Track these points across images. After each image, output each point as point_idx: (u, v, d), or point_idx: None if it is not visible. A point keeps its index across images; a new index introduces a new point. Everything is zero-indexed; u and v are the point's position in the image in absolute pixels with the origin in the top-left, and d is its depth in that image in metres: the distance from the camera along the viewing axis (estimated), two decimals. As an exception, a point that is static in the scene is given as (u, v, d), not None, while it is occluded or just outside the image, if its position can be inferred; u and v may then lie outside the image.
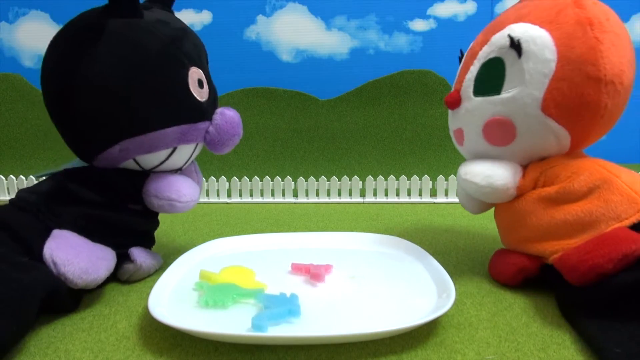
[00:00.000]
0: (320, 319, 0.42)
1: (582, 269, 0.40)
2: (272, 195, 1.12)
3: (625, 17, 1.21)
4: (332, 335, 0.38)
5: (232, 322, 0.41)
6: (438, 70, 1.22)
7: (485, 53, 0.49)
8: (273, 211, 0.99)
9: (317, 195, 1.11)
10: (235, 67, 1.29)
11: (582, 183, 0.44)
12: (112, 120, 0.48)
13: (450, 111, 0.55)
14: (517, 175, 0.49)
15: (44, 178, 0.52)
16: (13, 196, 0.55)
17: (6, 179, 1.12)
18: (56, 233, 0.46)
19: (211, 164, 1.25)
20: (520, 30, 0.45)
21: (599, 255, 0.39)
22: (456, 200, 0.98)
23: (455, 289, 0.44)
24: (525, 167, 0.50)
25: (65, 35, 0.49)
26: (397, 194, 1.10)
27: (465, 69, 0.51)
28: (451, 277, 0.47)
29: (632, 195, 0.42)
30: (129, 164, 0.52)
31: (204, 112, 0.53)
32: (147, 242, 0.60)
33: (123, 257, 0.53)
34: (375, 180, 1.09)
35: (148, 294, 0.44)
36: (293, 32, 1.28)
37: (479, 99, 0.49)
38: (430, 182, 1.08)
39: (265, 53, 1.30)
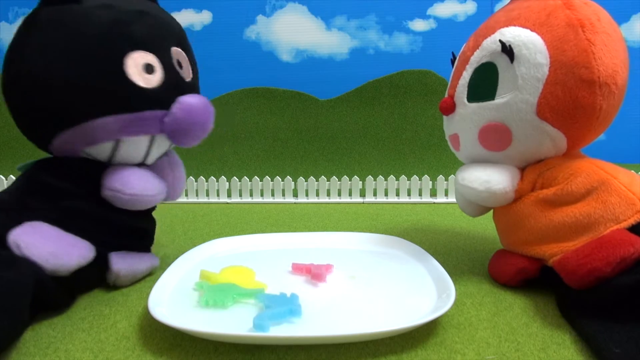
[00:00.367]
0: (320, 319, 0.42)
1: (580, 272, 0.40)
2: (272, 195, 1.12)
3: (625, 17, 1.20)
4: (332, 335, 0.38)
5: (232, 322, 0.41)
6: (438, 70, 1.22)
7: (477, 58, 0.48)
8: (273, 211, 0.99)
9: (317, 195, 1.11)
10: (235, 67, 1.28)
11: (579, 185, 0.44)
12: (47, 111, 0.47)
13: (445, 117, 0.55)
14: (515, 179, 0.49)
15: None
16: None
17: (6, 179, 1.12)
18: (26, 223, 0.45)
19: (211, 164, 1.25)
20: (511, 34, 0.45)
21: (598, 259, 0.39)
22: (455, 200, 0.98)
23: (455, 289, 0.44)
24: (522, 169, 0.50)
25: (15, 33, 0.49)
26: (397, 194, 1.10)
27: (458, 75, 0.51)
28: (451, 277, 0.47)
29: (630, 197, 0.42)
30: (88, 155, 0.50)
31: (149, 99, 0.48)
32: (138, 241, 0.56)
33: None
34: (375, 180, 1.09)
35: (148, 294, 0.44)
36: (293, 32, 1.28)
37: (473, 105, 0.49)
38: (430, 182, 1.08)
39: (265, 53, 1.30)
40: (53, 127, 0.48)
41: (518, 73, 0.44)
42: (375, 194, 1.09)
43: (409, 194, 1.08)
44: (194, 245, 0.62)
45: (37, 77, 0.46)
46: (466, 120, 0.50)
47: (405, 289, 0.48)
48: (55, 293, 0.44)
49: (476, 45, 0.49)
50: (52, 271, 0.43)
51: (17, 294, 0.38)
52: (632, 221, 0.41)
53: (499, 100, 0.46)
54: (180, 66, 0.53)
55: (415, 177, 1.07)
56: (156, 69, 0.49)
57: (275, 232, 0.78)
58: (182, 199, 1.11)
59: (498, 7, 1.24)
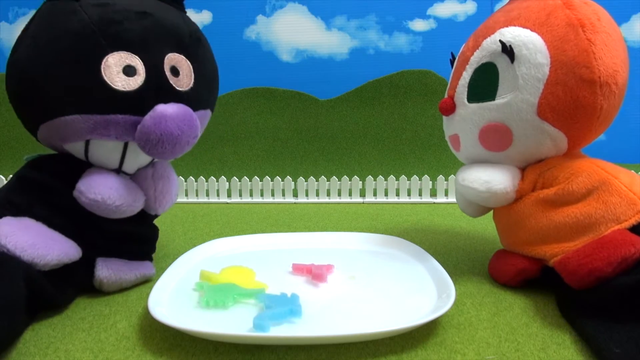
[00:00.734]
0: (321, 319, 0.42)
1: (581, 272, 0.40)
2: (272, 195, 1.12)
3: (625, 17, 1.20)
4: (332, 336, 0.38)
5: (233, 322, 0.41)
6: (438, 70, 1.22)
7: (477, 58, 0.48)
8: (273, 211, 0.99)
9: (317, 195, 1.11)
10: (235, 67, 1.28)
11: (580, 185, 0.44)
12: (29, 103, 0.48)
13: (445, 117, 0.55)
14: (516, 179, 0.48)
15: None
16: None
17: (6, 179, 1.11)
18: (7, 217, 0.45)
19: (211, 164, 1.25)
20: (512, 34, 0.45)
21: (598, 259, 0.39)
22: (456, 200, 0.98)
23: (455, 289, 0.44)
24: (523, 169, 0.49)
25: None
26: (397, 194, 1.10)
27: (458, 75, 0.51)
28: (451, 277, 0.47)
29: (630, 197, 0.42)
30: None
31: (122, 103, 0.46)
32: (132, 248, 0.53)
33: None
34: (375, 180, 1.09)
35: (148, 294, 0.44)
36: (293, 32, 1.28)
37: (474, 105, 0.49)
38: (430, 182, 1.08)
39: (265, 53, 1.29)
40: (34, 119, 0.49)
41: (518, 73, 0.44)
42: (375, 194, 1.09)
43: (409, 194, 1.08)
44: (194, 245, 0.62)
45: (22, 68, 0.47)
46: (466, 120, 0.50)
47: (405, 289, 0.48)
48: (45, 289, 0.43)
49: (476, 46, 0.49)
50: (29, 262, 0.42)
51: (11, 293, 0.38)
52: (633, 221, 0.41)
53: (499, 100, 0.46)
54: (176, 73, 0.49)
55: (415, 177, 1.07)
56: (138, 72, 0.46)
57: (275, 232, 0.78)
58: (182, 199, 1.11)
59: (498, 7, 1.24)
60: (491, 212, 0.56)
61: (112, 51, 0.45)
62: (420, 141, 1.23)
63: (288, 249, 0.63)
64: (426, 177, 1.08)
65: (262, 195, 1.11)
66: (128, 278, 0.51)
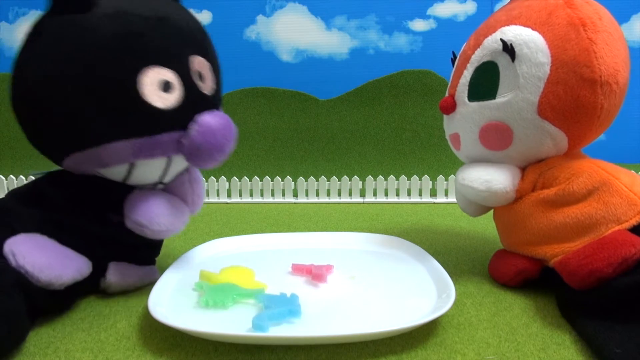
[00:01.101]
0: (320, 319, 0.42)
1: (581, 273, 0.40)
2: (272, 195, 1.12)
3: (625, 17, 1.20)
4: (332, 336, 0.38)
5: (232, 322, 0.41)
6: (438, 70, 1.22)
7: (478, 57, 0.48)
8: (273, 211, 0.99)
9: (317, 195, 1.11)
10: (235, 67, 1.29)
11: (581, 185, 0.44)
12: (52, 131, 0.44)
13: (445, 116, 0.55)
14: (516, 179, 0.48)
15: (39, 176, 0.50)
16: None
17: (6, 179, 1.12)
18: (23, 234, 0.43)
19: (211, 164, 1.25)
20: (513, 33, 0.45)
21: (599, 260, 0.39)
22: (456, 200, 0.98)
23: (455, 289, 0.44)
24: (523, 169, 0.49)
25: (22, 40, 0.45)
26: (397, 194, 1.10)
27: (459, 74, 0.51)
28: (451, 277, 0.47)
29: (631, 197, 0.42)
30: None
31: (166, 121, 0.44)
32: (141, 254, 0.53)
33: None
34: (375, 180, 1.09)
35: (148, 294, 0.44)
36: (293, 32, 1.28)
37: (474, 104, 0.49)
38: (430, 182, 1.08)
39: (265, 53, 1.30)
40: (64, 148, 0.45)
41: (519, 72, 0.44)
42: (375, 194, 1.09)
43: (409, 194, 1.08)
44: (194, 245, 0.62)
45: (42, 94, 0.42)
46: (467, 119, 0.50)
47: (405, 289, 0.48)
48: (44, 302, 0.43)
49: (477, 44, 0.49)
50: (46, 282, 0.41)
51: (10, 300, 0.37)
52: (633, 222, 0.41)
53: (500, 99, 0.46)
54: (202, 78, 0.48)
55: (415, 177, 1.07)
56: (174, 86, 0.44)
57: (275, 232, 0.78)
58: (182, 199, 1.11)
59: (498, 7, 1.24)
60: (491, 212, 0.56)
61: (144, 67, 0.42)
62: (420, 141, 1.23)
63: (288, 249, 0.63)
64: (426, 177, 1.08)
65: (262, 195, 1.11)
66: (134, 282, 0.52)
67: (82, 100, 0.42)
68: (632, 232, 0.40)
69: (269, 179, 1.11)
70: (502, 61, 0.46)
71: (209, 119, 0.45)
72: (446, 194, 1.08)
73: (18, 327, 0.38)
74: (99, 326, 0.43)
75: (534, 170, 0.48)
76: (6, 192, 0.49)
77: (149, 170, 0.47)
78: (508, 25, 0.46)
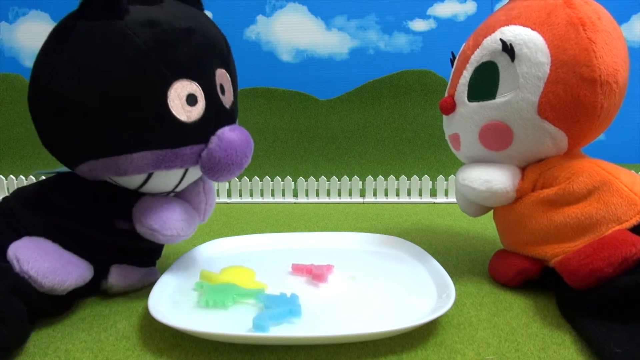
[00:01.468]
0: (320, 319, 0.42)
1: (582, 273, 0.40)
2: (272, 195, 1.12)
3: (625, 17, 1.21)
4: (332, 336, 0.38)
5: (232, 322, 0.41)
6: (438, 70, 1.22)
7: (477, 57, 0.48)
8: (273, 211, 0.99)
9: (317, 195, 1.11)
10: (236, 67, 1.29)
11: (581, 185, 0.44)
12: (71, 138, 0.43)
13: (445, 116, 0.55)
14: (516, 179, 0.48)
15: (42, 177, 0.50)
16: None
17: (6, 179, 1.11)
18: (26, 238, 0.43)
19: (211, 164, 1.25)
20: (512, 33, 0.45)
21: (599, 259, 0.39)
22: (456, 200, 0.99)
23: (455, 289, 0.44)
24: (523, 169, 0.49)
25: (45, 39, 0.44)
26: (397, 194, 1.10)
27: (458, 74, 0.51)
28: (451, 277, 0.47)
29: (631, 197, 0.42)
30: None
31: (189, 135, 0.44)
32: (143, 258, 0.53)
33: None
34: (375, 180, 1.09)
35: (148, 294, 0.44)
36: (293, 32, 1.28)
37: (474, 104, 0.49)
38: (430, 182, 1.08)
39: (265, 53, 1.30)
40: (79, 155, 0.44)
41: (519, 72, 0.44)
42: (375, 194, 1.09)
43: (409, 194, 1.08)
44: (194, 246, 0.62)
45: (68, 100, 0.41)
46: (467, 119, 0.50)
47: (405, 289, 0.48)
48: (44, 306, 0.43)
49: (476, 45, 0.49)
50: (49, 288, 0.41)
51: (11, 303, 0.38)
52: (634, 222, 0.41)
53: (499, 99, 0.46)
54: (223, 91, 0.48)
55: (415, 177, 1.07)
56: (198, 100, 0.44)
57: (275, 232, 0.78)
58: (182, 199, 1.11)
59: (498, 7, 1.24)
60: (491, 212, 0.56)
61: (174, 80, 0.42)
62: (420, 141, 1.23)
63: (288, 249, 0.63)
64: (426, 177, 1.08)
65: (262, 195, 1.11)
66: (135, 284, 0.52)
67: (108, 110, 0.41)
68: (633, 232, 0.40)
69: (269, 179, 1.11)
70: (502, 61, 0.46)
71: (230, 134, 0.45)
72: (446, 194, 1.08)
73: (19, 328, 0.38)
74: (99, 326, 0.43)
75: (534, 170, 0.48)
76: (6, 192, 0.49)
77: (165, 180, 0.47)
78: (507, 25, 0.46)
